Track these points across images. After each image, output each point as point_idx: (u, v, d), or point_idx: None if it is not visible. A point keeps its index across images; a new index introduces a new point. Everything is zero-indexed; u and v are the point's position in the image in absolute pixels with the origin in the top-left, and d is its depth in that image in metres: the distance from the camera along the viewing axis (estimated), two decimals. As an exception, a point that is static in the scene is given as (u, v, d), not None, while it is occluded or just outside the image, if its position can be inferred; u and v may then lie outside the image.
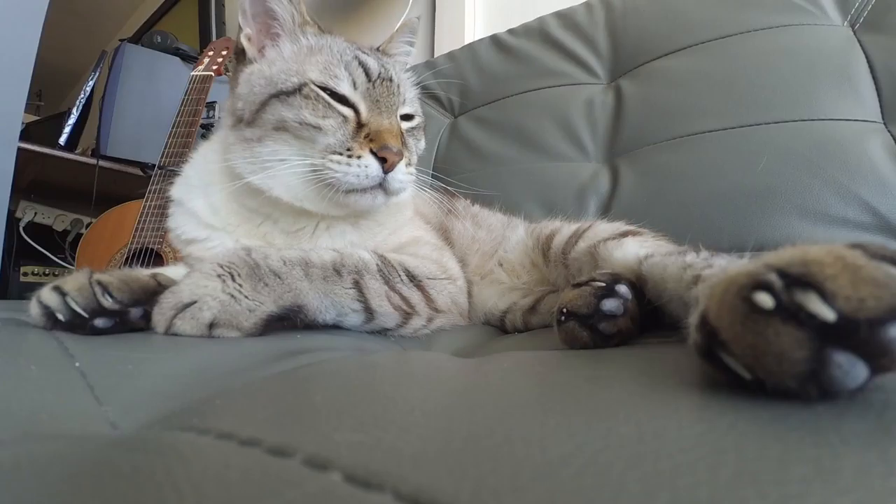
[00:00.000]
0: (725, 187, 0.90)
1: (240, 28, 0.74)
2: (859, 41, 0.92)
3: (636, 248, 0.57)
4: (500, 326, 0.80)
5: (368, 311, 0.58)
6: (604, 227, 0.70)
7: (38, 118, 3.02)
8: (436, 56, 1.64)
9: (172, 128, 1.75)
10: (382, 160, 0.64)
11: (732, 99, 0.97)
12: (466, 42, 1.57)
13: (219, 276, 0.50)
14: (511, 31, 1.40)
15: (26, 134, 2.22)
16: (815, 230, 0.81)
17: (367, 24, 2.11)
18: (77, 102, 2.48)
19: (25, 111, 1.43)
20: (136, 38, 2.56)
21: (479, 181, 1.19)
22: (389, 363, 0.43)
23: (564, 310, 0.46)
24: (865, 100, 0.87)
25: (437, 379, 0.36)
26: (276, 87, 0.66)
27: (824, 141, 0.85)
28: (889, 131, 0.84)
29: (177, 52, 2.31)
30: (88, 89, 2.51)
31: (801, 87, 0.91)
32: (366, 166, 0.63)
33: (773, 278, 0.21)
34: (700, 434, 0.19)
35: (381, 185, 0.66)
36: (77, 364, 0.38)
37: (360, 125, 0.66)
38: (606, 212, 1.04)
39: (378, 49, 0.82)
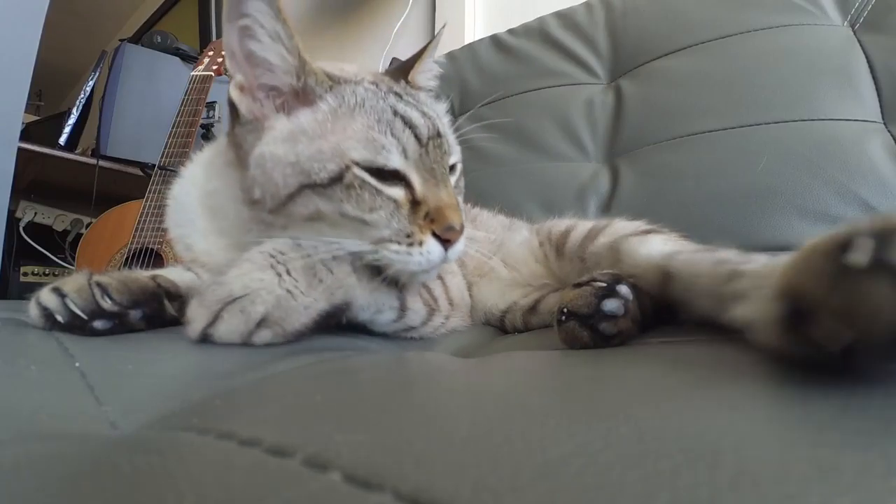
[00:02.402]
0: (725, 187, 0.90)
1: (226, 70, 0.59)
2: (859, 41, 0.92)
3: (662, 245, 0.56)
4: (500, 326, 0.80)
5: (402, 309, 0.58)
6: (624, 225, 0.68)
7: (38, 118, 3.02)
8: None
9: (172, 128, 1.75)
10: (445, 241, 0.55)
11: (732, 99, 0.97)
12: (466, 42, 1.57)
13: (272, 267, 0.48)
14: (511, 31, 1.40)
15: (26, 134, 2.22)
16: (816, 230, 0.81)
17: (368, 23, 2.11)
18: (77, 102, 2.48)
19: (25, 111, 1.43)
20: (136, 38, 2.56)
21: (479, 181, 1.19)
22: (389, 363, 0.43)
23: (565, 309, 0.46)
24: (865, 100, 0.87)
25: (437, 379, 0.36)
26: (308, 177, 0.53)
27: (824, 141, 0.85)
28: (889, 131, 0.84)
29: (177, 52, 2.31)
30: (88, 89, 2.51)
31: (801, 87, 0.91)
32: (428, 252, 0.55)
33: (864, 238, 0.21)
34: (700, 434, 0.19)
35: (442, 260, 0.58)
36: (77, 364, 0.38)
37: (415, 202, 0.56)
38: (606, 212, 1.04)
39: (406, 79, 0.67)
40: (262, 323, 0.46)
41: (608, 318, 0.45)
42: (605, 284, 0.47)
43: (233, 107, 0.58)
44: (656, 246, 0.56)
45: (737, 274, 0.39)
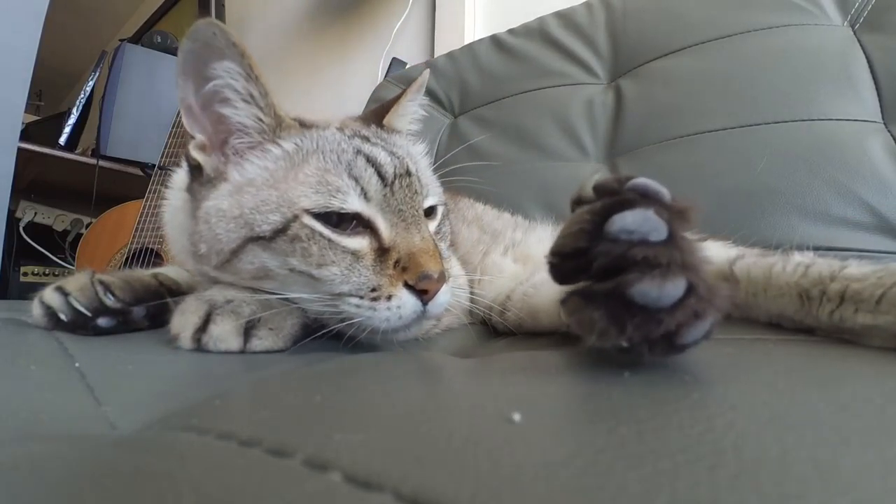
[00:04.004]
0: (725, 187, 0.90)
1: (185, 130, 0.55)
2: (859, 41, 0.92)
3: (723, 250, 0.54)
4: (490, 325, 0.79)
5: None
6: None
7: (38, 118, 3.02)
8: (436, 56, 1.64)
9: (172, 128, 1.75)
10: (422, 292, 0.49)
11: (732, 99, 0.97)
12: (466, 42, 1.57)
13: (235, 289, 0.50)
14: (511, 31, 1.40)
15: (26, 134, 2.22)
16: (815, 230, 0.81)
17: (368, 23, 2.11)
18: (77, 102, 2.49)
19: (25, 111, 1.43)
20: (136, 38, 2.56)
21: (479, 182, 1.19)
22: (389, 363, 0.43)
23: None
24: (865, 100, 0.87)
25: (437, 379, 0.36)
26: (251, 229, 0.49)
27: (824, 141, 0.85)
28: (889, 131, 0.84)
29: (176, 52, 2.32)
30: (88, 89, 2.51)
31: (801, 86, 0.91)
32: (398, 307, 0.48)
33: None
34: (700, 434, 0.19)
35: (420, 316, 0.51)
36: (77, 364, 0.38)
37: (383, 250, 0.50)
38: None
39: (381, 123, 0.63)
40: (256, 324, 0.47)
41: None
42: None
43: (193, 165, 0.54)
44: (718, 250, 0.54)
45: (836, 278, 0.39)
